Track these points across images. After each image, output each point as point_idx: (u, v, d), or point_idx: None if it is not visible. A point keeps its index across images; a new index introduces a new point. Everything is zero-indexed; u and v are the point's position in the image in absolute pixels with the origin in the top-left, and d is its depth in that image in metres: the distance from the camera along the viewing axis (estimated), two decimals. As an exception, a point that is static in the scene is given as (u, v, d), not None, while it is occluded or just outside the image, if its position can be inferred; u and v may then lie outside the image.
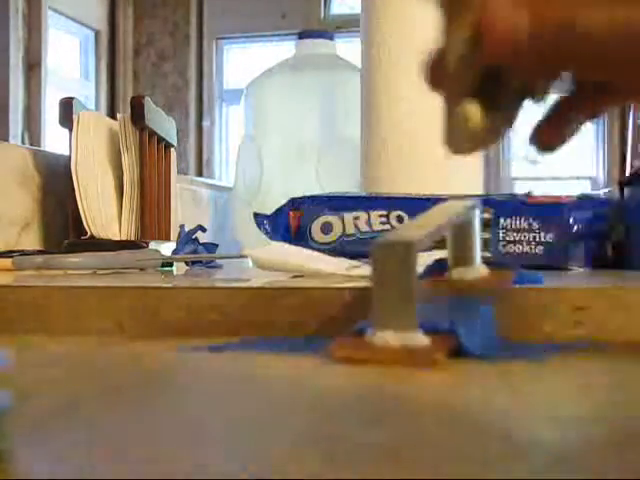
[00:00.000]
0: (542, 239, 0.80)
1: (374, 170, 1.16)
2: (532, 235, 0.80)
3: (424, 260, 0.51)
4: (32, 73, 3.34)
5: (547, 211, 0.82)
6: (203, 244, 1.08)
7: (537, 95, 0.32)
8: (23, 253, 0.93)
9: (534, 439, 0.26)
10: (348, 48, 2.24)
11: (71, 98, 1.15)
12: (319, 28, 2.90)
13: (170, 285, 0.56)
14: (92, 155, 1.14)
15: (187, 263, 1.00)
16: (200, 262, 0.99)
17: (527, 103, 0.33)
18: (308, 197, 0.88)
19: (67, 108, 1.14)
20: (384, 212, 0.85)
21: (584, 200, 0.85)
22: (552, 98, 0.33)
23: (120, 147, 1.17)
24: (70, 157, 1.11)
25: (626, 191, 0.92)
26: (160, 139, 1.26)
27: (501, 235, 0.81)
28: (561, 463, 0.23)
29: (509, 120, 0.33)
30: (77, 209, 1.11)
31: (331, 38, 1.83)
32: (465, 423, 0.29)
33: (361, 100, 1.20)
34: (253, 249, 0.70)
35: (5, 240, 1.09)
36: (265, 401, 0.33)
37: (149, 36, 3.97)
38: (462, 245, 0.49)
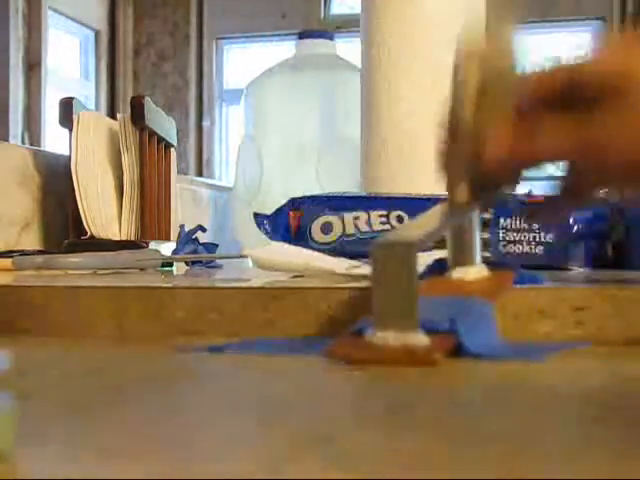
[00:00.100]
0: (542, 239, 0.80)
1: (374, 170, 1.16)
2: (532, 235, 0.80)
3: (424, 260, 0.51)
4: (32, 73, 3.34)
5: (547, 211, 0.82)
6: (203, 244, 1.08)
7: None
8: (23, 253, 0.93)
9: (534, 439, 0.26)
10: (348, 48, 2.24)
11: (71, 98, 1.15)
12: (319, 28, 2.90)
13: (170, 285, 0.56)
14: (92, 155, 1.14)
15: (187, 263, 1.00)
16: (200, 262, 0.99)
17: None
18: (308, 197, 0.88)
19: (67, 108, 1.14)
20: (384, 212, 0.85)
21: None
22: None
23: (120, 147, 1.17)
24: (70, 157, 1.11)
25: (626, 191, 0.91)
26: (160, 139, 1.26)
27: (501, 235, 0.81)
28: (562, 464, 0.23)
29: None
30: (77, 209, 1.11)
31: (331, 38, 1.83)
32: (465, 423, 0.29)
33: (361, 100, 1.20)
34: (253, 249, 0.70)
35: (5, 240, 1.09)
36: (265, 401, 0.33)
37: (149, 36, 3.97)
38: (462, 245, 0.49)
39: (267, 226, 0.89)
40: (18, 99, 3.27)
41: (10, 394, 0.21)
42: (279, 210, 0.88)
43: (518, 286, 0.48)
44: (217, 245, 1.12)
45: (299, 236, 0.85)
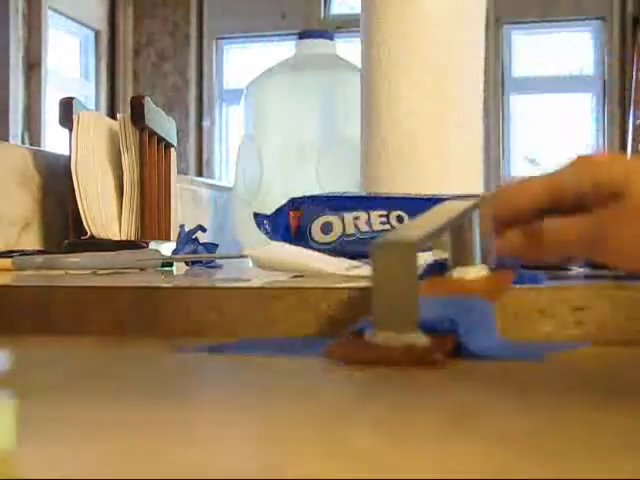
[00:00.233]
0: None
1: (374, 170, 1.16)
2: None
3: (424, 260, 0.51)
4: (32, 73, 3.34)
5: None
6: (203, 244, 1.08)
7: None
8: (23, 253, 0.93)
9: (534, 440, 0.26)
10: (348, 48, 2.24)
11: (71, 98, 1.15)
12: (319, 28, 2.90)
13: (170, 285, 0.56)
14: (92, 155, 1.14)
15: (187, 263, 1.00)
16: (200, 262, 0.99)
17: None
18: (308, 197, 0.88)
19: (67, 108, 1.14)
20: (384, 212, 0.85)
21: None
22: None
23: (120, 147, 1.17)
24: (70, 157, 1.11)
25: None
26: (160, 139, 1.26)
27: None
28: (562, 465, 0.23)
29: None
30: (77, 209, 1.11)
31: (331, 38, 1.82)
32: (465, 424, 0.29)
33: (361, 100, 1.20)
34: (253, 249, 0.70)
35: (5, 240, 1.09)
36: (264, 401, 0.33)
37: (149, 36, 3.97)
38: (462, 245, 0.49)
39: (267, 226, 0.89)
40: (18, 99, 3.27)
41: (10, 394, 0.21)
42: (279, 210, 0.88)
43: (518, 286, 0.48)
44: (217, 245, 1.12)
45: (299, 236, 0.84)
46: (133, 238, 1.17)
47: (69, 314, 0.53)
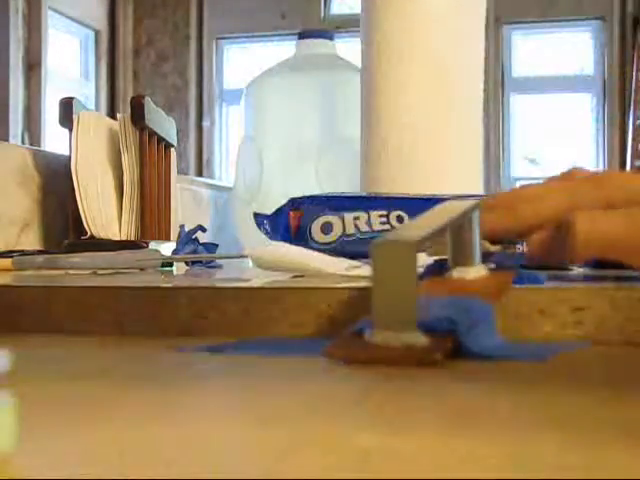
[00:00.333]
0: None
1: (374, 170, 1.16)
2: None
3: (424, 260, 0.51)
4: (32, 73, 3.34)
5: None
6: (203, 244, 1.08)
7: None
8: (23, 253, 0.93)
9: (534, 440, 0.26)
10: (348, 48, 2.24)
11: (71, 98, 1.15)
12: (319, 28, 2.90)
13: (170, 285, 0.56)
14: (92, 155, 1.14)
15: (187, 263, 1.00)
16: (200, 262, 0.99)
17: None
18: (308, 197, 0.88)
19: (67, 108, 1.14)
20: (384, 212, 0.85)
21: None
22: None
23: (120, 147, 1.17)
24: (70, 157, 1.11)
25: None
26: (160, 139, 1.26)
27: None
28: (562, 464, 0.23)
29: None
30: (77, 209, 1.11)
31: (331, 38, 1.83)
32: (465, 424, 0.29)
33: (361, 100, 1.20)
34: (253, 249, 0.70)
35: (5, 240, 1.09)
36: (264, 401, 0.33)
37: (149, 36, 3.97)
38: (462, 245, 0.49)
39: (267, 226, 0.89)
40: (18, 99, 3.27)
41: (10, 394, 0.21)
42: (279, 210, 0.88)
43: (518, 286, 0.48)
44: (217, 245, 1.12)
45: (299, 236, 0.84)
46: (133, 238, 1.17)
47: (69, 314, 0.53)
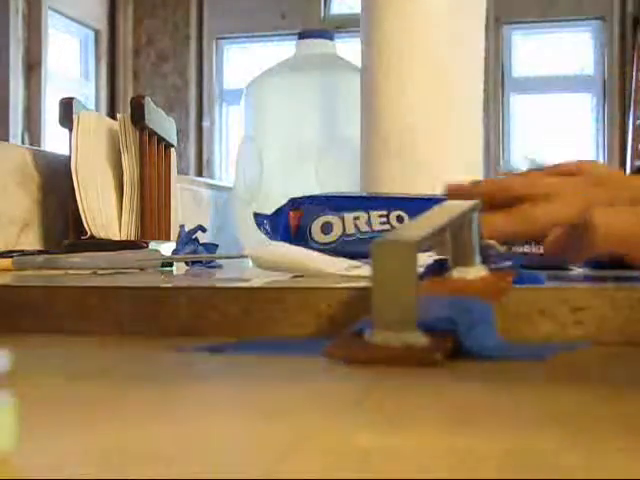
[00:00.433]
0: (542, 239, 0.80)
1: (374, 170, 1.16)
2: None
3: (424, 260, 0.51)
4: (32, 73, 3.34)
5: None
6: (203, 244, 1.08)
7: None
8: (23, 253, 0.93)
9: (534, 440, 0.26)
10: (348, 48, 2.24)
11: (71, 98, 1.15)
12: (319, 28, 2.90)
13: (170, 285, 0.56)
14: (92, 155, 1.14)
15: (187, 263, 1.00)
16: (200, 262, 0.99)
17: None
18: (308, 197, 0.88)
19: (67, 108, 1.14)
20: (384, 212, 0.85)
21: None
22: None
23: (120, 147, 1.17)
24: (70, 157, 1.11)
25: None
26: (160, 139, 1.26)
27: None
28: (562, 464, 0.23)
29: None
30: (77, 209, 1.11)
31: (331, 38, 1.82)
32: (465, 424, 0.29)
33: (361, 100, 1.20)
34: (253, 249, 0.70)
35: (5, 240, 1.09)
36: (264, 401, 0.33)
37: (149, 36, 3.97)
38: (462, 245, 0.49)
39: (267, 226, 0.89)
40: (18, 99, 3.27)
41: (10, 394, 0.21)
42: (279, 210, 0.88)
43: (518, 286, 0.48)
44: (217, 245, 1.12)
45: (299, 236, 0.84)
46: (133, 238, 1.17)
47: (69, 314, 0.53)
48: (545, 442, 0.26)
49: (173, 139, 1.35)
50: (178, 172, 1.46)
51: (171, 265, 0.96)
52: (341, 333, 0.44)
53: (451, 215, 0.47)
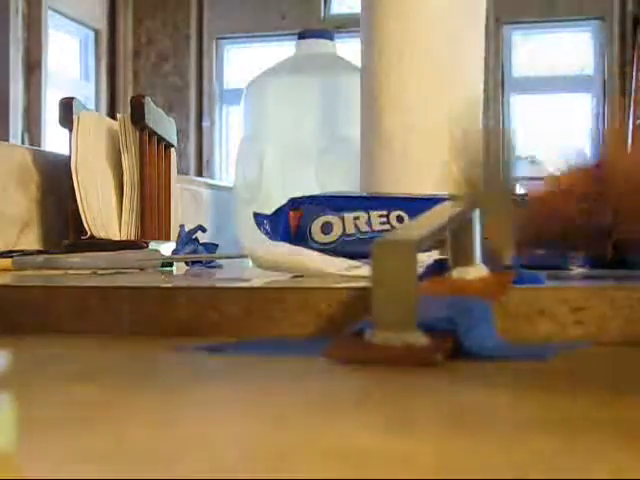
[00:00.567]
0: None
1: (374, 170, 1.16)
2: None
3: (424, 260, 0.51)
4: (32, 73, 3.34)
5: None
6: (203, 244, 1.08)
7: None
8: (23, 253, 0.93)
9: (534, 440, 0.26)
10: (348, 48, 2.24)
11: (71, 98, 1.15)
12: (319, 28, 2.89)
13: (170, 285, 0.56)
14: (92, 155, 1.14)
15: (187, 263, 1.00)
16: (200, 262, 0.99)
17: None
18: (308, 197, 0.88)
19: (67, 108, 1.14)
20: (384, 212, 0.85)
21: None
22: None
23: (120, 147, 1.17)
24: (70, 157, 1.11)
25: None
26: (160, 139, 1.26)
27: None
28: (563, 464, 0.23)
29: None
30: (77, 209, 1.11)
31: (331, 38, 1.82)
32: (464, 423, 0.29)
33: (361, 100, 1.20)
34: (253, 249, 0.70)
35: (5, 240, 1.09)
36: (264, 401, 0.33)
37: (149, 36, 3.97)
38: (462, 245, 0.49)
39: (267, 226, 0.89)
40: (18, 99, 3.27)
41: (10, 393, 0.21)
42: (279, 210, 0.88)
43: (518, 286, 0.48)
44: (217, 245, 1.12)
45: (299, 236, 0.84)
46: (133, 238, 1.17)
47: (69, 314, 0.53)
48: (545, 442, 0.26)
49: (173, 139, 1.35)
50: (178, 172, 1.46)
51: (171, 265, 0.96)
52: (341, 333, 0.44)
53: (451, 215, 0.47)
